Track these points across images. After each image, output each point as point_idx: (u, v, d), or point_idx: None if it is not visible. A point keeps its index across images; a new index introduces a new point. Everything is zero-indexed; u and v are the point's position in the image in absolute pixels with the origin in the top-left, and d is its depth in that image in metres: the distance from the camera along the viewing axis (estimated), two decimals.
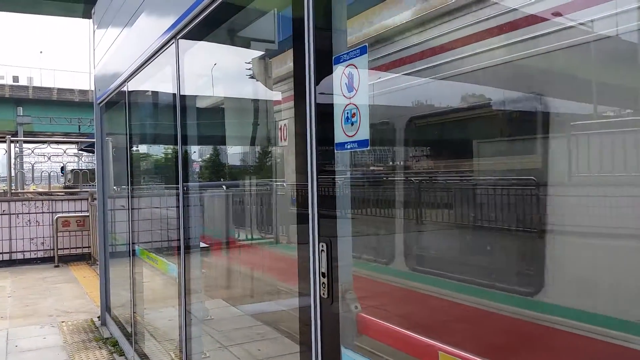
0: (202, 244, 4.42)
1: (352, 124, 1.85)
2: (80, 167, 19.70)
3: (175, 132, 3.82)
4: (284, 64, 4.14)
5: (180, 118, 3.78)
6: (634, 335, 1.78)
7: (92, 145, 13.50)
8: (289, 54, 2.30)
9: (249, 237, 5.78)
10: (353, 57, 1.84)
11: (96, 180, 7.33)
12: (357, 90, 1.83)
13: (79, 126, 34.12)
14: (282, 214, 5.04)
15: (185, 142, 3.86)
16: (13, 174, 13.47)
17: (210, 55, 4.41)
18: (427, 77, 2.87)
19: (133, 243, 5.47)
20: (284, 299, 4.10)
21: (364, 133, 1.80)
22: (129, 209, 5.60)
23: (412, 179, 3.20)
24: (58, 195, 13.29)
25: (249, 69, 4.93)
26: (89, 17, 7.63)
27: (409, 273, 3.18)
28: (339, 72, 1.91)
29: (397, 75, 2.98)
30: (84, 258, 11.21)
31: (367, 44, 1.79)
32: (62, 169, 24.04)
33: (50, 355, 5.48)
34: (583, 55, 2.04)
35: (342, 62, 1.89)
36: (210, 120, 5.76)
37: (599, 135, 2.02)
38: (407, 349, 1.79)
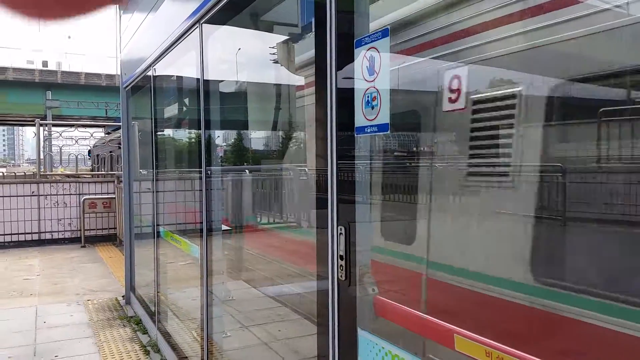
0: (224, 227, 4.48)
1: (373, 108, 1.85)
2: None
3: (199, 117, 3.86)
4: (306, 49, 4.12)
5: (203, 103, 3.82)
6: None
7: (118, 129, 13.72)
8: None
9: (271, 220, 5.83)
10: (375, 40, 1.83)
11: (122, 163, 7.47)
12: (378, 73, 1.83)
13: (106, 110, 34.66)
14: (304, 198, 5.07)
15: (208, 126, 3.90)
16: (42, 157, 13.81)
17: (234, 39, 4.43)
18: None
19: (157, 224, 5.58)
20: (303, 281, 4.14)
21: (384, 117, 1.81)
22: (153, 191, 5.70)
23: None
24: (85, 177, 13.57)
25: (273, 54, 4.94)
26: (116, 2, 7.72)
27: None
28: (360, 56, 1.91)
29: None
30: (110, 239, 11.46)
31: (389, 27, 1.78)
32: (89, 152, 24.52)
33: (77, 332, 5.65)
34: None
35: (363, 45, 1.89)
36: (233, 105, 5.81)
37: None
38: (423, 331, 1.80)
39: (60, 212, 11.28)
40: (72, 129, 16.56)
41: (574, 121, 2.11)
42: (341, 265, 1.98)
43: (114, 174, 12.45)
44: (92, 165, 23.81)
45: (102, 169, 19.82)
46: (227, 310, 4.43)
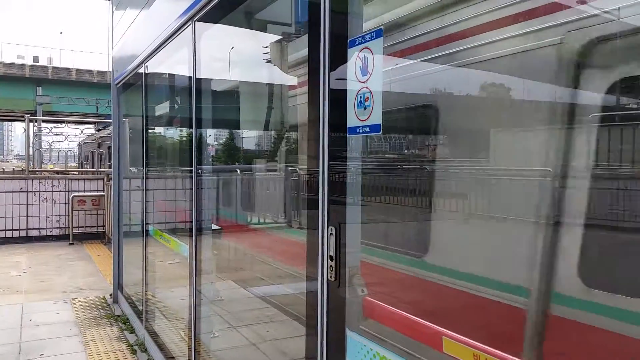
0: (214, 226, 4.46)
1: (365, 108, 1.84)
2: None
3: (190, 115, 3.84)
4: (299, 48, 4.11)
5: (195, 101, 3.80)
6: None
7: (108, 125, 13.61)
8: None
9: (261, 220, 5.82)
10: (368, 41, 1.83)
11: (112, 161, 7.41)
12: (371, 74, 1.82)
13: (97, 107, 34.42)
14: (295, 199, 5.06)
15: (200, 125, 3.88)
16: (31, 153, 13.67)
17: (227, 38, 4.41)
18: None
19: (147, 223, 5.54)
20: (292, 282, 4.13)
21: (376, 117, 1.80)
22: (143, 189, 5.66)
23: None
24: (74, 174, 13.46)
25: (266, 53, 4.92)
26: None
27: None
28: (354, 56, 1.90)
29: None
30: (99, 237, 11.38)
31: (382, 27, 1.78)
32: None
33: (63, 330, 5.60)
34: None
35: (356, 45, 1.89)
36: (225, 104, 5.78)
37: None
38: (411, 333, 1.80)
39: (49, 208, 11.18)
40: (63, 125, 16.38)
41: None
42: (331, 266, 1.97)
43: (104, 171, 12.36)
44: (78, 162, 23.61)
45: (86, 167, 19.70)
46: (216, 310, 4.41)
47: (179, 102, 5.52)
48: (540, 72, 2.03)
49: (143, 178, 5.62)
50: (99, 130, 20.69)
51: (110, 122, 7.87)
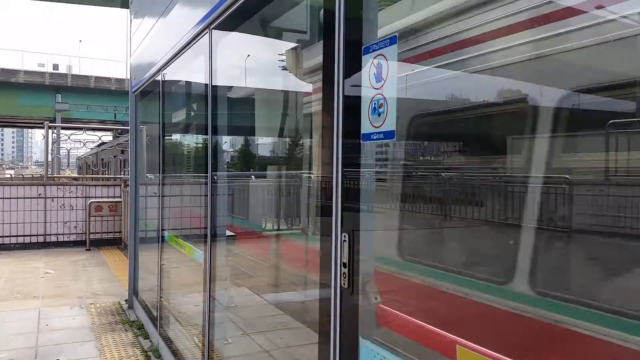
0: (229, 232, 4.47)
1: (379, 115, 1.84)
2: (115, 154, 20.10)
3: (206, 122, 3.87)
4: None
5: (211, 108, 3.83)
6: None
7: (127, 132, 13.77)
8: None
9: (276, 227, 5.82)
10: (382, 47, 1.83)
11: (129, 167, 7.49)
12: (386, 80, 1.82)
13: (115, 114, 34.81)
14: (309, 205, 5.06)
15: (215, 132, 3.90)
16: (50, 159, 13.88)
17: (243, 46, 4.44)
18: None
19: (162, 229, 5.57)
20: (305, 288, 4.12)
21: (390, 124, 1.80)
22: (159, 196, 5.71)
23: None
24: (92, 180, 13.62)
25: (282, 61, 4.95)
26: (127, 7, 7.79)
27: None
28: (368, 63, 1.91)
29: None
30: (115, 242, 11.48)
31: (397, 34, 1.78)
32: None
33: (78, 336, 5.64)
34: None
35: (371, 52, 1.89)
36: (240, 111, 5.82)
37: None
38: (424, 341, 1.78)
39: (67, 214, 11.32)
40: (81, 132, 16.62)
41: None
42: (344, 273, 1.97)
43: (121, 177, 12.50)
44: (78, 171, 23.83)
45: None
46: (229, 316, 4.41)
47: (195, 109, 5.57)
48: None
49: (159, 184, 5.66)
50: (115, 137, 20.96)
51: (127, 129, 7.97)
